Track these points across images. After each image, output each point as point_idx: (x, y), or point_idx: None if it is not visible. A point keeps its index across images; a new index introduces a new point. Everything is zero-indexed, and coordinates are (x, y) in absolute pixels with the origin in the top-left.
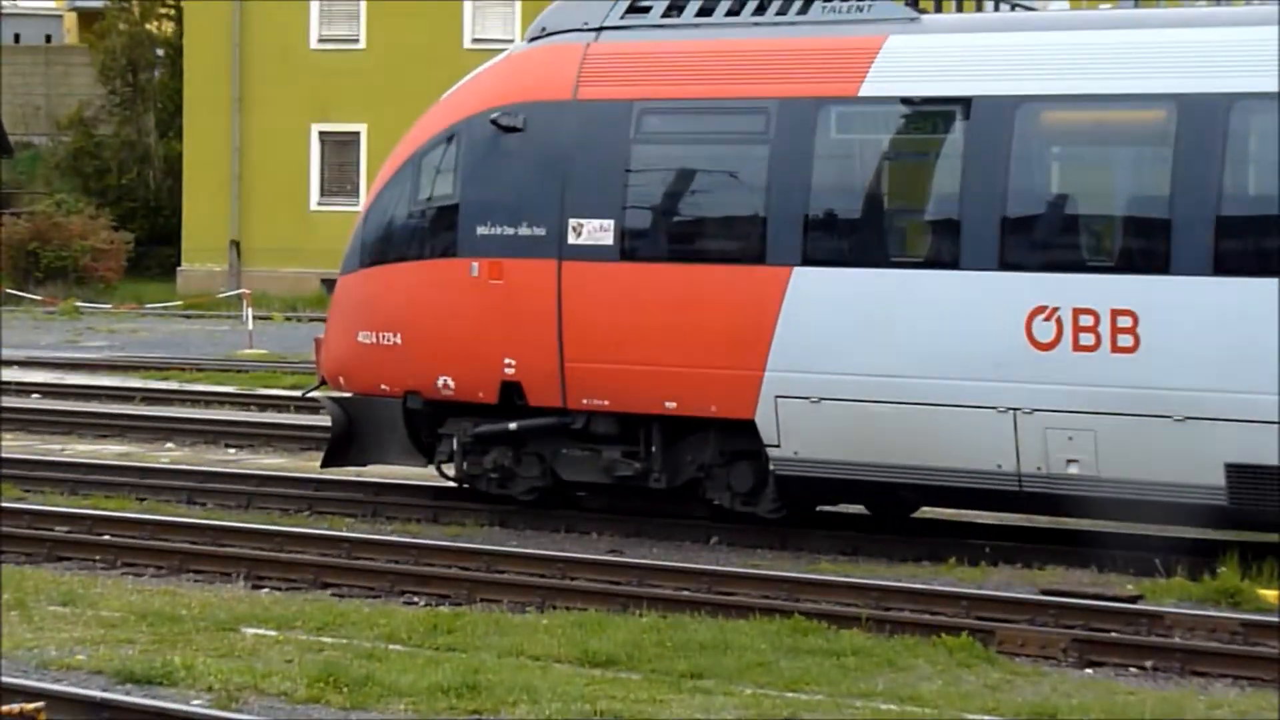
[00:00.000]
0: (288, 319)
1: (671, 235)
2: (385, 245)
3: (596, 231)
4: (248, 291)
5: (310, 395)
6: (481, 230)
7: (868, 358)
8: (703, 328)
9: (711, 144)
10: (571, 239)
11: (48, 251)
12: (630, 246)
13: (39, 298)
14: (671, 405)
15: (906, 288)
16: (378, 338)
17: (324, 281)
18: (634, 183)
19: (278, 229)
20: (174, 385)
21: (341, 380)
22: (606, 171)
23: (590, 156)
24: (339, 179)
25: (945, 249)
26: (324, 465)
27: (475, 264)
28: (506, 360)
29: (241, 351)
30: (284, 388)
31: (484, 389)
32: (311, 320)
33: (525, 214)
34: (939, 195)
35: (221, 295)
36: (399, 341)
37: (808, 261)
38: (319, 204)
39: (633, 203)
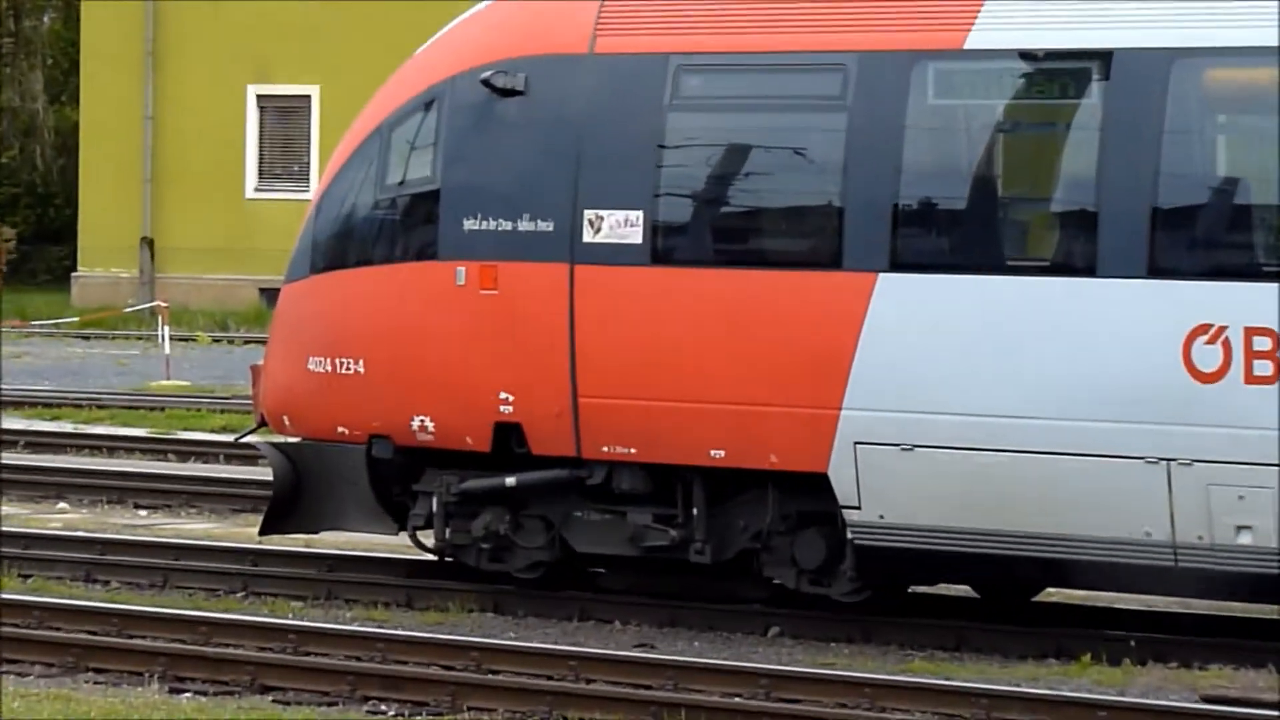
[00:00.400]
0: (216, 340)
1: (718, 231)
2: (344, 245)
3: (620, 226)
4: (164, 304)
5: (246, 440)
6: (469, 225)
7: (975, 393)
8: (759, 353)
9: (771, 111)
10: (588, 236)
11: None
12: (665, 246)
13: None
14: (718, 454)
15: (1026, 301)
16: (334, 365)
17: (263, 291)
18: (670, 162)
19: (203, 223)
20: (68, 427)
21: (287, 421)
22: (634, 147)
23: (612, 128)
24: (283, 158)
25: (1077, 250)
26: (263, 532)
27: (461, 268)
28: (502, 395)
29: (156, 383)
30: (211, 430)
31: (473, 432)
32: (248, 342)
33: (527, 203)
34: (1069, 178)
35: (130, 309)
36: (361, 370)
37: (897, 266)
38: (257, 190)
39: (668, 188)
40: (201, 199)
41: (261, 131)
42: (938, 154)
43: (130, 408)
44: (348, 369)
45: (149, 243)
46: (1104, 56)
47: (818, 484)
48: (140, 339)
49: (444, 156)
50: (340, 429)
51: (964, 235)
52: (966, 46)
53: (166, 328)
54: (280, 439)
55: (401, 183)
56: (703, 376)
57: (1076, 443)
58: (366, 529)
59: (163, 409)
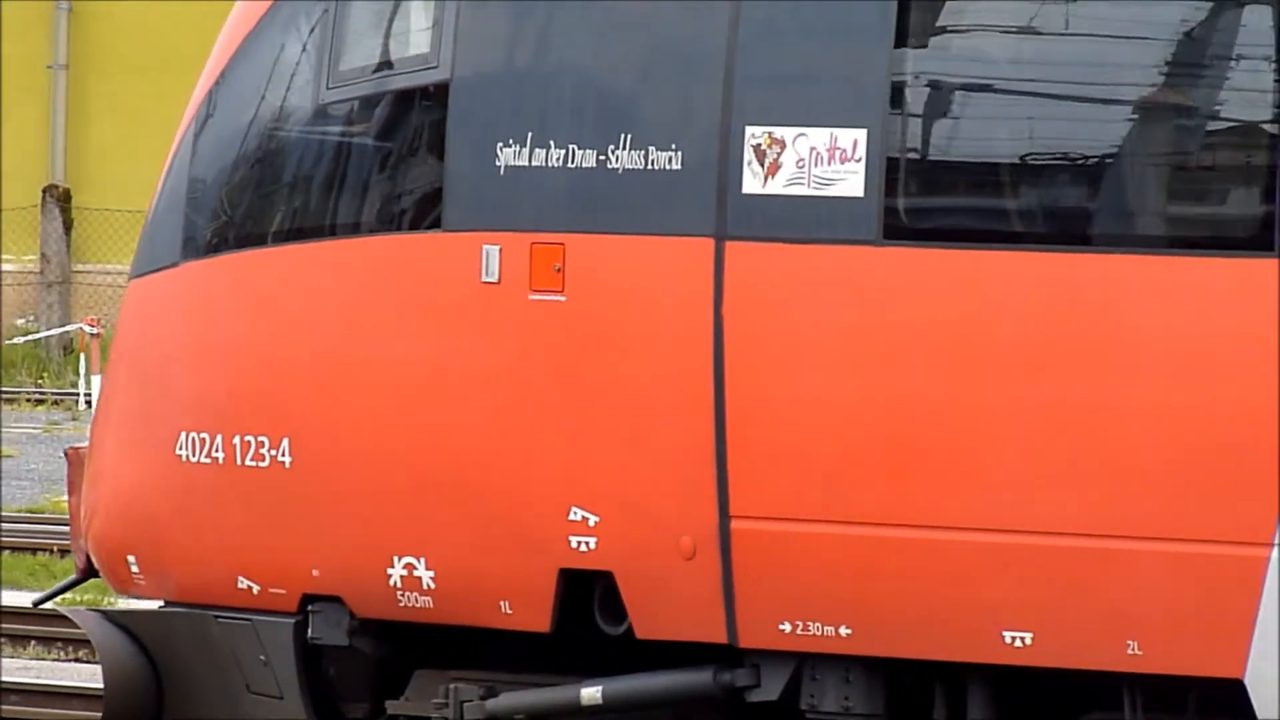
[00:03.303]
0: None
1: (1025, 177)
2: (250, 198)
3: (824, 162)
4: (91, 328)
5: (49, 606)
6: (509, 158)
7: None
8: (1099, 423)
9: None
10: (751, 183)
11: None
12: (917, 204)
13: None
14: (1019, 640)
15: None
16: (230, 450)
17: None
18: (926, 36)
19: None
20: None
21: (133, 565)
22: (848, 6)
23: None
24: None
25: None
26: None
27: (492, 247)
28: (575, 514)
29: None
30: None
31: (515, 591)
32: None
33: (628, 113)
34: None
35: (23, 340)
36: (285, 460)
37: None
38: None
39: (923, 85)
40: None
41: None
42: None
43: (19, 548)
44: (258, 457)
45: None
46: None
47: (1223, 695)
48: (42, 400)
49: (459, 15)
50: (244, 582)
51: None
52: None
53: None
54: (122, 604)
55: (374, 68)
56: (994, 476)
57: None
58: None
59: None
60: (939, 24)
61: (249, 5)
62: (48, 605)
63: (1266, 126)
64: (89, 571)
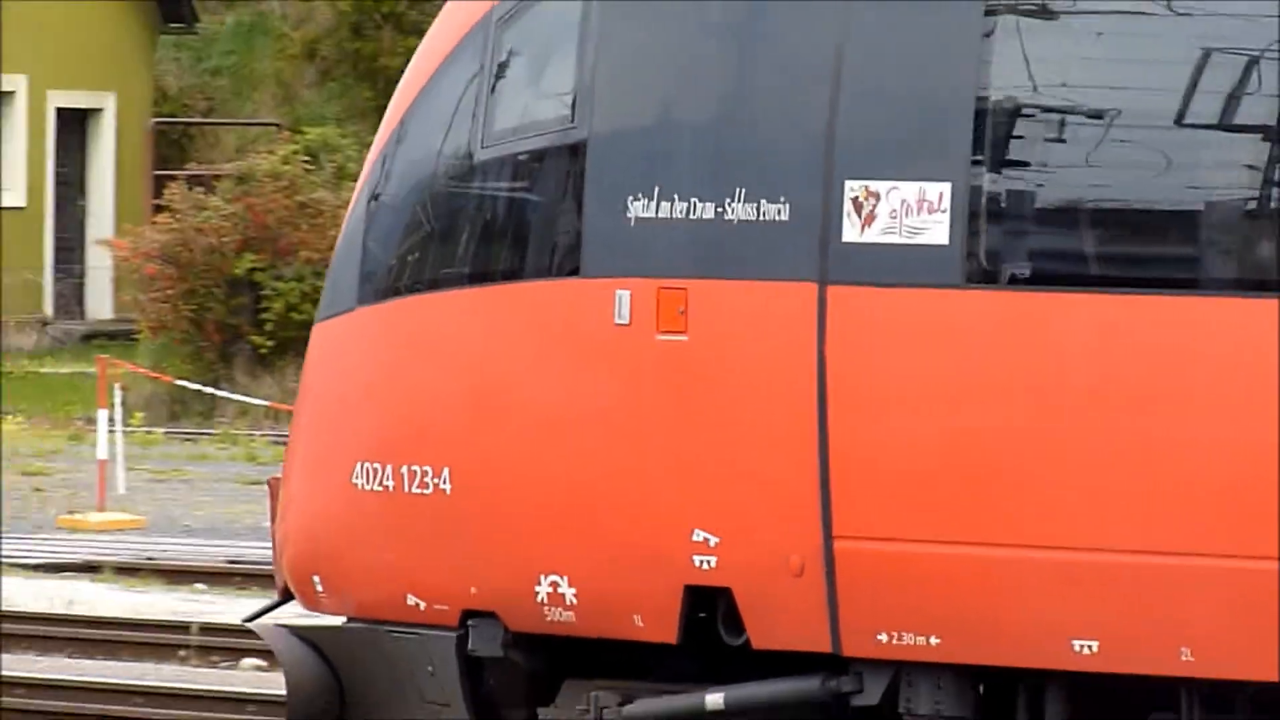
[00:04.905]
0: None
1: (1101, 227)
2: (414, 249)
3: (912, 213)
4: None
5: (254, 625)
6: (639, 211)
7: None
8: (1164, 452)
9: (1193, 16)
10: (850, 231)
11: None
12: (994, 250)
13: None
14: (1087, 648)
15: None
16: (398, 479)
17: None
18: (1002, 100)
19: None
20: None
21: (318, 584)
22: (934, 75)
23: (893, 42)
24: None
25: None
26: None
27: (624, 292)
28: (699, 536)
29: (86, 517)
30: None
31: (647, 607)
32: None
33: (743, 168)
34: None
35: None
36: (446, 488)
37: None
38: None
39: (1000, 144)
40: None
41: None
42: None
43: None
44: (423, 485)
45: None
46: None
47: (1272, 705)
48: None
49: (595, 78)
50: (412, 599)
51: None
52: None
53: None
54: (309, 620)
55: (521, 128)
56: (1066, 500)
57: None
58: None
59: (98, 570)
60: (1009, 99)
61: (447, 29)
62: (256, 624)
63: None
64: (288, 593)
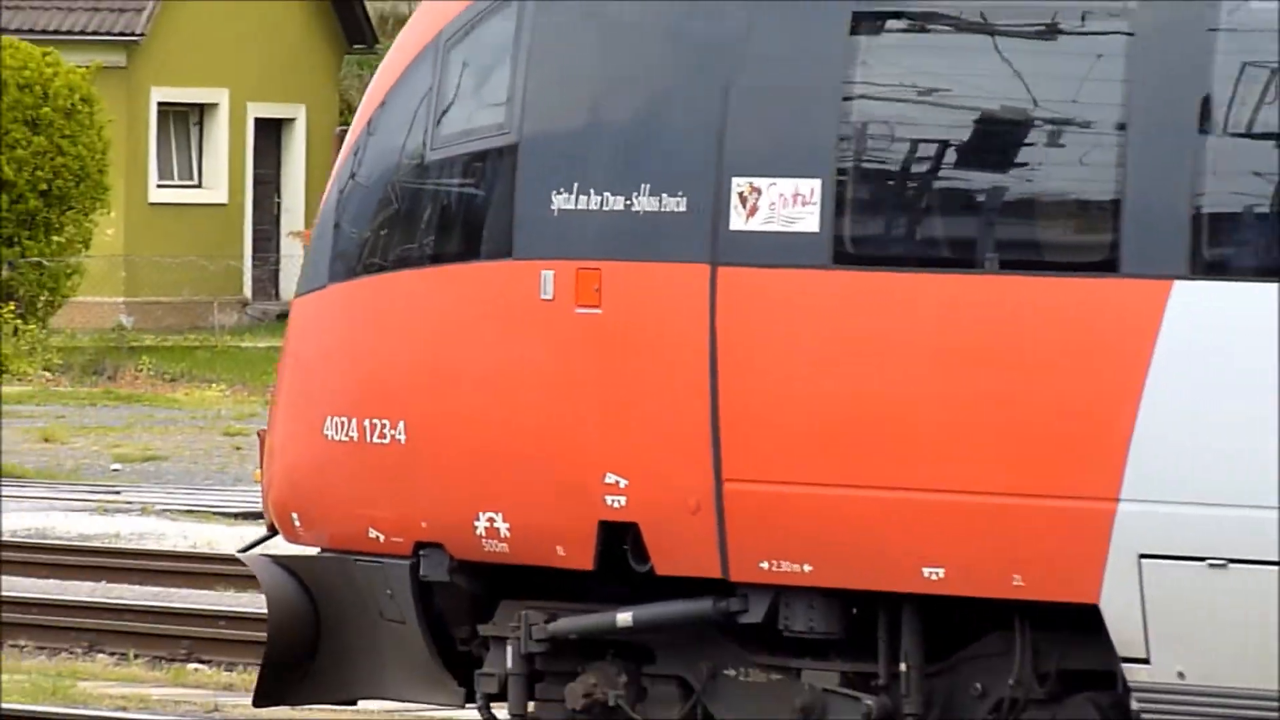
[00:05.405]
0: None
1: (936, 217)
2: (377, 234)
3: (788, 205)
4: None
5: (244, 555)
6: (561, 202)
7: None
8: (991, 407)
9: (1016, 37)
10: (736, 221)
11: None
12: (856, 237)
13: None
14: (934, 574)
15: None
16: (361, 430)
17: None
18: (861, 109)
19: None
20: None
21: (296, 521)
22: (808, 84)
23: (775, 52)
24: None
25: None
26: (260, 701)
27: (548, 272)
28: (610, 478)
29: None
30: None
31: (567, 537)
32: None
33: (647, 167)
34: None
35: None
36: (402, 438)
37: (1205, 269)
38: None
39: (860, 148)
40: None
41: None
42: (1265, 102)
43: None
44: (382, 435)
45: None
46: None
47: (1086, 621)
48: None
49: (524, 91)
50: (373, 532)
51: None
52: None
53: None
54: (290, 551)
55: (464, 133)
56: (913, 448)
57: None
58: (417, 697)
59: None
60: (869, 109)
61: (406, 44)
62: (246, 554)
63: (1112, 178)
64: (274, 528)
